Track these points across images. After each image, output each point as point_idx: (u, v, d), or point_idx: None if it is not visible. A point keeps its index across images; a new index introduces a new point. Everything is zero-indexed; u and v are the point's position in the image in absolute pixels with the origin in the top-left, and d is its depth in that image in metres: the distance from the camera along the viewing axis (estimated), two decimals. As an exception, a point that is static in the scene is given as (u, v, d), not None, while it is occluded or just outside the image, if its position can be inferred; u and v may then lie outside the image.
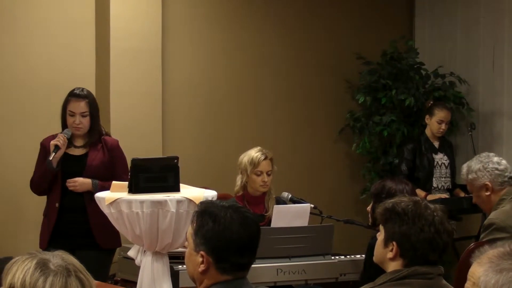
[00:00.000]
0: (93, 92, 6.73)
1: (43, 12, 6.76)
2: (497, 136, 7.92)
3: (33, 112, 6.52)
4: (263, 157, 5.77)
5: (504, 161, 5.13)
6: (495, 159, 5.13)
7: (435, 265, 3.24)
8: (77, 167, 5.53)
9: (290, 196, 6.01)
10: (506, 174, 5.09)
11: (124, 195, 4.97)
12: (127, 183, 5.04)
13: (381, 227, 3.34)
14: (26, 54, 6.71)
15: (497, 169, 5.07)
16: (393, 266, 3.25)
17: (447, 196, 7.16)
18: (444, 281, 3.28)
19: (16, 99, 6.65)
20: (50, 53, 6.78)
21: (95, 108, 5.62)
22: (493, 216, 4.95)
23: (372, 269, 3.87)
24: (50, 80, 6.45)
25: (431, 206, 3.31)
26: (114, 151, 5.65)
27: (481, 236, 5.00)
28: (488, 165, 5.09)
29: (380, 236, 3.33)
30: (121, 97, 6.92)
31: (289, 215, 5.68)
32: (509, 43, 7.79)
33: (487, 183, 5.07)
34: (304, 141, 8.04)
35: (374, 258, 3.38)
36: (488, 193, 5.08)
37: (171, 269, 5.12)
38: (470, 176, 5.14)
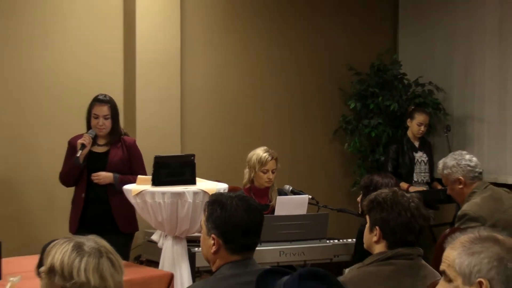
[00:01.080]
0: (121, 99, 6.81)
1: (78, 28, 6.76)
2: (469, 137, 7.92)
3: (69, 115, 6.51)
4: (270, 158, 5.77)
5: (475, 159, 5.11)
6: (467, 156, 5.11)
7: (414, 247, 3.25)
8: (100, 163, 5.53)
9: (291, 188, 6.02)
10: (477, 170, 5.07)
11: (148, 187, 4.99)
12: (150, 177, 5.06)
13: (367, 217, 3.35)
14: (64, 66, 6.70)
15: (469, 165, 5.05)
16: (378, 249, 3.27)
17: (425, 189, 7.16)
18: (423, 261, 3.30)
19: (54, 104, 6.65)
20: (84, 65, 6.78)
21: (115, 112, 5.62)
22: (466, 207, 4.92)
23: (361, 252, 3.88)
24: (84, 88, 6.44)
25: (408, 195, 3.32)
26: (132, 150, 5.65)
27: (455, 225, 4.98)
28: (461, 161, 5.07)
29: (367, 225, 3.35)
30: (145, 103, 6.91)
31: (290, 205, 5.68)
32: (479, 57, 7.79)
33: (460, 177, 5.04)
34: (304, 141, 8.04)
35: (364, 245, 3.39)
36: (461, 186, 5.06)
37: (189, 251, 5.14)
38: (445, 171, 5.13)
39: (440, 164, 5.20)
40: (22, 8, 6.53)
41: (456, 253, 2.28)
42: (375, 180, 4.96)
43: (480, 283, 2.21)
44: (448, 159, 5.14)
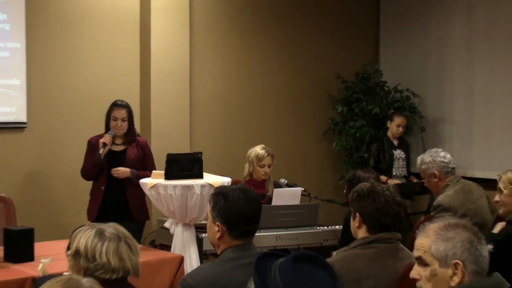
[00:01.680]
0: (138, 105, 6.83)
1: (101, 45, 6.78)
2: (441, 137, 7.92)
3: (91, 119, 6.49)
4: (266, 154, 5.76)
5: (448, 155, 5.10)
6: (442, 153, 5.10)
7: (393, 232, 3.24)
8: (118, 160, 5.53)
9: (286, 181, 6.01)
10: (450, 165, 5.06)
11: (161, 181, 4.99)
12: (163, 172, 5.06)
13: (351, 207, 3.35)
14: (89, 77, 6.72)
15: (443, 161, 5.04)
16: (361, 234, 3.26)
17: (400, 182, 7.14)
18: (401, 245, 3.29)
19: (79, 110, 6.66)
20: (107, 76, 6.80)
21: (131, 116, 5.63)
22: (440, 199, 4.92)
23: (347, 237, 3.87)
24: (105, 96, 6.41)
25: (384, 185, 3.34)
26: (145, 149, 5.67)
27: (431, 214, 4.97)
28: (437, 158, 5.06)
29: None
30: (159, 109, 6.91)
31: (286, 196, 5.67)
32: (449, 67, 7.81)
33: (435, 172, 5.04)
34: (297, 140, 8.03)
35: (352, 233, 3.37)
36: (436, 180, 5.05)
37: (197, 236, 5.13)
38: (422, 166, 5.12)
39: (418, 159, 5.20)
40: (53, 28, 6.56)
41: (431, 240, 2.28)
42: (357, 174, 4.96)
43: (456, 264, 2.22)
44: (425, 156, 5.13)
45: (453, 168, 5.08)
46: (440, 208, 4.82)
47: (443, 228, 2.28)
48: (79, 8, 6.68)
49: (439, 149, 5.21)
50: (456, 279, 2.21)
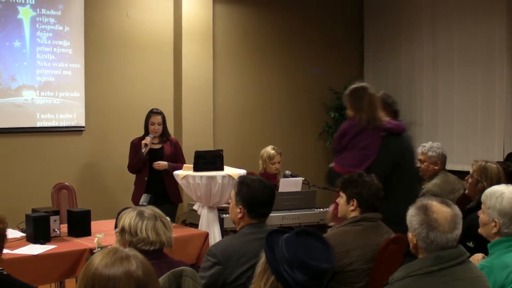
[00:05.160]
0: (172, 111, 6.81)
1: (143, 65, 6.78)
2: (413, 136, 7.80)
3: (138, 124, 6.50)
4: (276, 153, 5.78)
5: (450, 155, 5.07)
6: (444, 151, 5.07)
7: (377, 212, 3.20)
8: (158, 155, 5.52)
9: (290, 173, 5.98)
10: (446, 161, 5.02)
11: (191, 172, 4.97)
12: (192, 165, 5.04)
13: (341, 193, 3.28)
14: (133, 91, 6.72)
15: (445, 157, 5.02)
16: (352, 215, 3.21)
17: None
18: (382, 223, 3.25)
19: (128, 117, 6.66)
20: (147, 89, 6.80)
21: (165, 120, 5.62)
22: (430, 186, 4.88)
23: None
24: (147, 105, 6.40)
25: (371, 175, 3.28)
26: (176, 146, 5.65)
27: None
28: (444, 152, 5.02)
29: (341, 199, 3.27)
30: (189, 114, 6.90)
31: (290, 184, 5.66)
32: (419, 81, 7.75)
33: (438, 162, 4.98)
34: (299, 140, 7.99)
35: (339, 214, 3.33)
36: (436, 168, 4.99)
37: (219, 216, 5.11)
38: (430, 153, 5.01)
39: (428, 144, 5.08)
40: (105, 53, 6.56)
41: (409, 212, 2.37)
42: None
43: (410, 236, 2.31)
44: (435, 146, 5.04)
45: (445, 165, 5.07)
46: (429, 193, 4.77)
47: (414, 207, 2.34)
48: (125, 37, 6.68)
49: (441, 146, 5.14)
50: (412, 246, 2.32)
